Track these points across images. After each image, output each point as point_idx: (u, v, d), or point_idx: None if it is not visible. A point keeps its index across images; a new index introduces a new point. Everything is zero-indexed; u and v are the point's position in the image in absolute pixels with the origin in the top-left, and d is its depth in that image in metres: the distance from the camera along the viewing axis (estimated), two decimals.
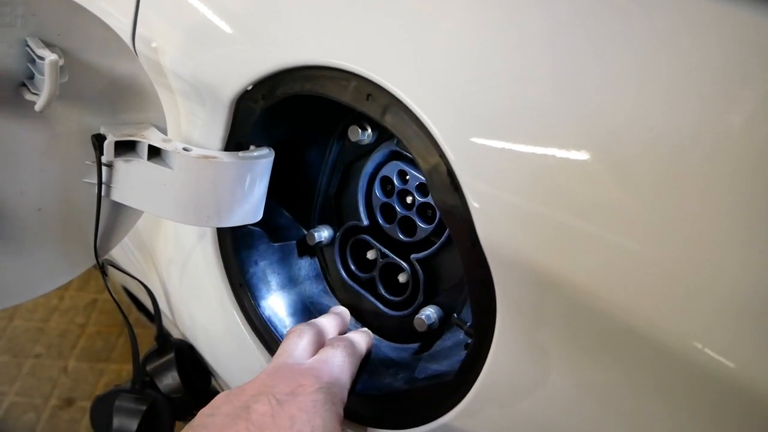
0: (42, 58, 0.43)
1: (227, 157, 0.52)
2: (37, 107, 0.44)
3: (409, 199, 0.53)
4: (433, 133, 0.40)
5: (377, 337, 0.58)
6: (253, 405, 0.39)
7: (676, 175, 0.31)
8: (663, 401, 0.33)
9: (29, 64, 0.45)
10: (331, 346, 0.47)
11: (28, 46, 0.44)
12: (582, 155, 0.34)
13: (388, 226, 0.55)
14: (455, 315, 0.49)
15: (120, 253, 0.76)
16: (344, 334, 0.53)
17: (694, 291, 0.31)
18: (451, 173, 0.39)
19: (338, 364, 0.45)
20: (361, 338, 0.52)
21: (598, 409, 0.36)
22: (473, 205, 0.38)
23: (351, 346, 0.48)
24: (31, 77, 0.46)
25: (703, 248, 0.30)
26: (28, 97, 0.45)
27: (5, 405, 1.45)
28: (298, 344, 0.47)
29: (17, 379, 1.51)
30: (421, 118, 0.40)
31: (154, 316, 0.66)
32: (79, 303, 1.73)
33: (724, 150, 0.30)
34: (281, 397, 0.40)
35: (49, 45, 0.45)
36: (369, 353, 0.53)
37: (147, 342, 0.73)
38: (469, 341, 0.43)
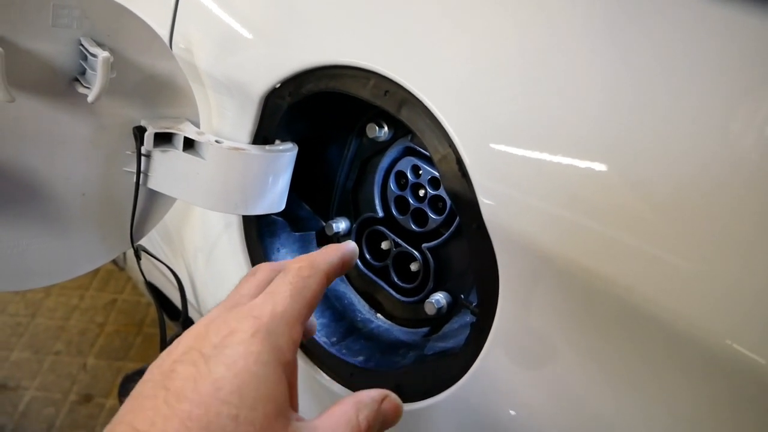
0: (95, 56, 0.48)
1: (255, 149, 0.56)
2: (90, 99, 0.49)
3: (421, 192, 0.57)
4: (444, 126, 0.44)
5: (389, 322, 0.62)
6: (178, 367, 0.32)
7: (697, 181, 0.33)
8: (682, 374, 0.34)
9: (81, 61, 0.50)
10: (282, 273, 0.38)
11: (82, 45, 0.49)
12: (585, 150, 0.38)
13: (401, 217, 0.59)
14: (462, 296, 0.53)
15: (147, 244, 0.81)
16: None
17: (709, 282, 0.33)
18: (459, 162, 0.43)
19: (285, 294, 0.35)
20: (328, 252, 0.40)
21: (602, 379, 0.38)
22: (478, 189, 0.42)
23: (308, 267, 0.38)
24: (83, 73, 0.51)
25: (719, 247, 0.32)
26: (81, 90, 0.50)
27: (26, 399, 1.49)
28: (248, 282, 0.39)
29: (38, 374, 1.56)
30: (434, 113, 0.44)
31: (180, 301, 0.70)
32: (98, 303, 1.78)
33: (743, 156, 0.32)
34: (208, 351, 0.32)
35: (99, 44, 0.50)
36: (347, 263, 0.41)
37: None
38: (474, 321, 0.46)
